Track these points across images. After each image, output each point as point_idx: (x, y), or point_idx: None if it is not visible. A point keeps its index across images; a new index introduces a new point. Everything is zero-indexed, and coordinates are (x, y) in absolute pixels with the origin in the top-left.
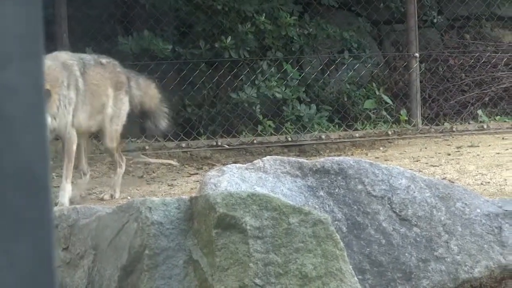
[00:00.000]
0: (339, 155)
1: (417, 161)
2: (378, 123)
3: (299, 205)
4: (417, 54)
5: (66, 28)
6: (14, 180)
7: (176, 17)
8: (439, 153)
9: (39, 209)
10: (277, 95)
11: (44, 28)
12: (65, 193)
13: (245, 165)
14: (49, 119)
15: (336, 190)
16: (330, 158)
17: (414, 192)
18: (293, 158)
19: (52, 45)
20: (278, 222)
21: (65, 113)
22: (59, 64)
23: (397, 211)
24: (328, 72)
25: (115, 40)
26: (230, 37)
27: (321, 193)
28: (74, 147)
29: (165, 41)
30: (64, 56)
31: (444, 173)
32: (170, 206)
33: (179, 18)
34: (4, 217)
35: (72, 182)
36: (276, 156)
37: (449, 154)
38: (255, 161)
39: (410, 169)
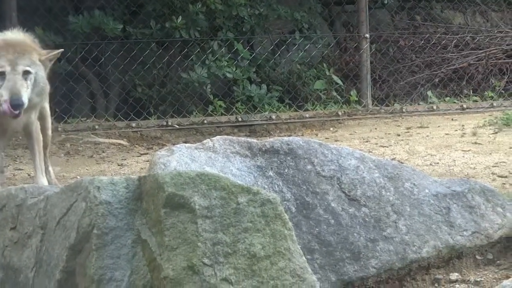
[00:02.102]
0: (289, 136)
1: (367, 141)
2: (329, 104)
3: (247, 185)
4: (367, 35)
5: (15, 7)
6: None
7: None
8: (389, 133)
9: None
10: (228, 75)
11: None
12: None
13: (194, 145)
14: (29, 93)
15: (286, 170)
16: (279, 138)
17: (363, 172)
18: (243, 138)
19: (1, 23)
20: (227, 201)
21: (46, 93)
22: (31, 40)
23: (346, 191)
24: (279, 52)
25: (65, 19)
26: (180, 17)
27: (270, 173)
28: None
29: (116, 21)
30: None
31: (394, 154)
32: (119, 186)
33: None
34: None
35: None
36: (226, 136)
37: (398, 135)
38: (204, 141)
39: (360, 150)
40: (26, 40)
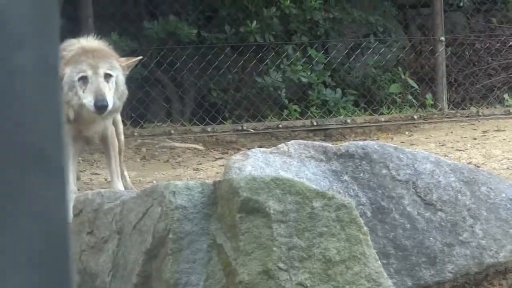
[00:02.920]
0: (364, 140)
1: (443, 145)
2: (404, 108)
3: (322, 190)
4: (443, 38)
5: (91, 13)
6: (28, 161)
7: (201, 2)
8: (465, 137)
9: (53, 190)
10: (303, 79)
11: (70, 12)
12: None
13: (269, 149)
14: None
15: (361, 175)
16: (354, 142)
17: (439, 176)
18: (317, 142)
19: (77, 29)
20: (302, 206)
21: (125, 98)
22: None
23: (422, 196)
24: (354, 56)
25: (141, 25)
26: (255, 21)
27: (346, 177)
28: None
29: (191, 26)
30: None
31: (470, 158)
32: (194, 190)
33: (204, 3)
34: (17, 199)
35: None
36: (301, 141)
37: (475, 139)
38: (279, 145)
39: (436, 154)
40: (103, 46)
